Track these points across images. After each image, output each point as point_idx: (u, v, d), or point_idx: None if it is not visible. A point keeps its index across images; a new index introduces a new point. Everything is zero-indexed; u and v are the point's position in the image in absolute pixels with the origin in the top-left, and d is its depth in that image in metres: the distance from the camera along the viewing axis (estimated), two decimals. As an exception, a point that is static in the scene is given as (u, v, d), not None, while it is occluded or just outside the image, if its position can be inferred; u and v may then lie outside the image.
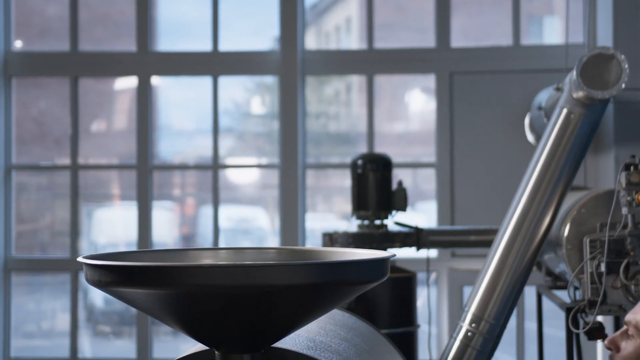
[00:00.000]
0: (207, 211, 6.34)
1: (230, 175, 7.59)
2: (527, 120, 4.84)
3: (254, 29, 6.35)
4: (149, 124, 5.64)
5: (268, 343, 1.98)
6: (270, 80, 6.33)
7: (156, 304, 1.84)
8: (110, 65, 5.75)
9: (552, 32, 6.51)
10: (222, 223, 6.18)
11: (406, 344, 4.12)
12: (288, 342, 2.17)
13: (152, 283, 1.78)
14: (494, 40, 5.76)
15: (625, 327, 2.16)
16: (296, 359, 2.11)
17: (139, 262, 2.00)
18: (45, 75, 6.00)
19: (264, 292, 1.78)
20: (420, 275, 4.58)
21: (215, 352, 1.97)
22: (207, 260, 2.25)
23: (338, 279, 1.85)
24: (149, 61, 5.66)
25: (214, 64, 5.66)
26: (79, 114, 5.80)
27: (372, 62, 5.55)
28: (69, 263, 5.64)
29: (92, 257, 1.95)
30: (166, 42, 6.36)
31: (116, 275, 1.82)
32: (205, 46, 5.67)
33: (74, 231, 5.69)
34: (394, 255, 2.04)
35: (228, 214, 8.10)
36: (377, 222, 4.30)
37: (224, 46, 5.69)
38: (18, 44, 5.93)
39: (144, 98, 5.64)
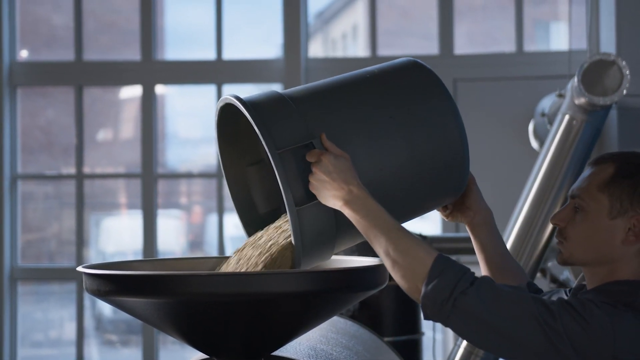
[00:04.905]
0: (214, 219, 6.34)
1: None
2: (530, 127, 4.84)
3: (261, 36, 6.36)
4: (154, 133, 5.65)
5: (267, 351, 1.97)
6: (278, 88, 6.34)
7: (155, 313, 1.84)
8: (115, 74, 5.77)
9: (558, 37, 6.50)
10: (231, 231, 6.17)
11: (411, 351, 4.11)
12: (289, 350, 2.17)
13: (149, 292, 1.78)
14: (500, 46, 5.75)
15: (569, 202, 2.10)
16: (296, 367, 2.11)
17: (137, 271, 2.01)
18: (50, 84, 6.02)
19: (261, 301, 1.79)
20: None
21: (214, 360, 1.97)
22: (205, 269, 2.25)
23: (334, 287, 1.85)
24: (153, 70, 5.68)
25: (218, 72, 5.67)
26: (86, 123, 5.81)
27: (376, 69, 5.55)
28: (75, 272, 5.64)
29: (91, 267, 1.95)
30: (173, 50, 6.37)
31: (114, 284, 1.83)
32: (211, 55, 5.68)
33: (80, 240, 5.70)
34: (392, 262, 2.04)
35: (236, 221, 8.08)
36: (381, 229, 4.28)
37: (232, 54, 5.70)
38: (24, 54, 5.95)
39: (149, 107, 5.65)
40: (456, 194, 2.21)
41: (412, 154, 2.07)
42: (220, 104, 2.12)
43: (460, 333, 1.92)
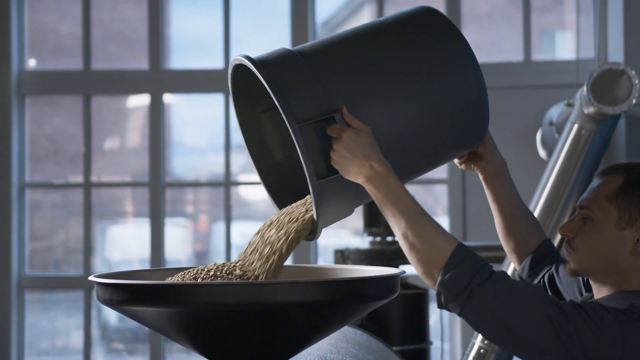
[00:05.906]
0: (220, 228, 6.35)
1: (244, 192, 7.61)
2: (538, 136, 4.84)
3: (268, 44, 6.37)
4: (162, 141, 5.66)
5: (278, 361, 1.98)
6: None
7: (167, 322, 1.84)
8: (123, 83, 5.78)
9: (564, 47, 6.50)
10: (236, 240, 6.17)
11: (419, 360, 4.11)
12: (299, 360, 2.17)
13: (162, 301, 1.78)
14: (507, 55, 5.75)
15: (578, 212, 2.11)
16: (307, 376, 2.11)
17: (150, 280, 2.01)
18: (58, 93, 6.04)
19: (273, 310, 1.79)
20: (433, 292, 4.57)
21: (226, 370, 1.97)
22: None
23: (347, 297, 1.85)
24: (160, 79, 5.69)
25: (225, 81, 5.66)
26: (93, 132, 5.82)
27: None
28: (82, 281, 5.66)
29: (103, 276, 1.96)
30: (180, 59, 6.39)
31: (127, 293, 1.83)
32: (218, 63, 5.69)
33: (87, 249, 5.70)
34: (404, 272, 2.05)
35: (241, 230, 8.09)
36: (389, 238, 4.29)
37: (237, 63, 5.70)
38: (32, 63, 5.97)
39: (156, 115, 5.66)
40: (475, 145, 2.23)
41: (432, 114, 2.06)
42: (236, 62, 2.08)
43: (472, 324, 1.93)
